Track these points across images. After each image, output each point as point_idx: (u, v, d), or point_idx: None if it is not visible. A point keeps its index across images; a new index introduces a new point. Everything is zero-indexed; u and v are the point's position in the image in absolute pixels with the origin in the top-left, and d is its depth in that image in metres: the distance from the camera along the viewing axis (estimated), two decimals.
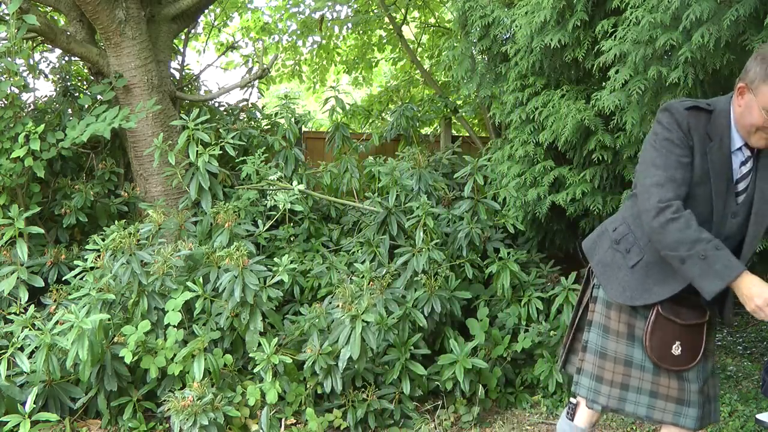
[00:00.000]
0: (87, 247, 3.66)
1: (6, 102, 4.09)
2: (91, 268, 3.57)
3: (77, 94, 4.86)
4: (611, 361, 2.24)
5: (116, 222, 3.77)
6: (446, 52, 4.82)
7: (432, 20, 7.95)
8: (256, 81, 5.43)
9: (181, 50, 5.69)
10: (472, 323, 3.80)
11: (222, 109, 5.46)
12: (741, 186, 2.09)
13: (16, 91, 4.15)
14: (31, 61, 4.68)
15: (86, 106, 4.54)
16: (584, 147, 3.79)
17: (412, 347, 3.58)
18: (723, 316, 2.23)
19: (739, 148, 2.07)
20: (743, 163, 2.08)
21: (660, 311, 2.13)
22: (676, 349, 2.13)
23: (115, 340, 3.40)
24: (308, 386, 3.43)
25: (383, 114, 6.95)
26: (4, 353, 3.12)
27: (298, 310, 3.94)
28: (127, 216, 4.47)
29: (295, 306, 4.02)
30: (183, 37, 5.74)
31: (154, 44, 4.69)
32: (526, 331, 3.82)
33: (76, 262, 3.63)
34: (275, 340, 3.41)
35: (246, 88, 5.46)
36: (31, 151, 3.89)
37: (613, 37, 3.12)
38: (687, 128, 2.04)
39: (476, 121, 7.05)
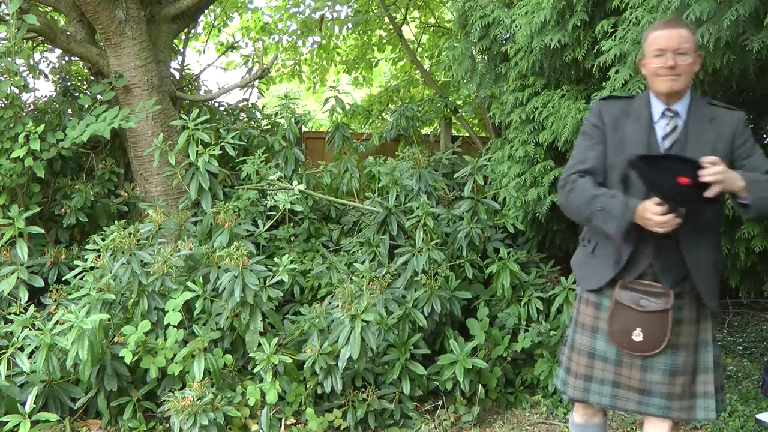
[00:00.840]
0: (87, 247, 3.66)
1: (6, 102, 4.09)
2: (91, 268, 3.57)
3: (77, 94, 4.86)
4: (577, 353, 2.34)
5: (116, 222, 3.76)
6: (446, 52, 4.82)
7: (432, 20, 7.95)
8: (256, 81, 5.43)
9: (181, 50, 5.69)
10: (472, 323, 3.80)
11: (222, 109, 5.46)
12: (667, 143, 2.20)
13: (16, 91, 4.15)
14: (31, 61, 4.68)
15: (86, 106, 4.54)
16: None
17: (412, 347, 3.58)
18: (705, 299, 2.22)
19: (662, 115, 2.21)
20: (667, 125, 2.20)
21: (619, 300, 2.21)
22: (638, 336, 2.19)
23: (115, 340, 3.40)
24: (308, 386, 3.43)
25: (383, 114, 6.95)
26: (4, 353, 3.12)
27: (298, 310, 3.94)
28: (127, 216, 4.47)
29: (295, 306, 4.02)
30: (183, 37, 5.74)
31: (154, 44, 4.69)
32: (526, 331, 3.82)
33: (76, 262, 3.63)
34: (275, 340, 3.41)
35: (246, 88, 5.46)
36: (31, 151, 3.89)
37: (613, 37, 3.12)
38: (599, 113, 2.25)
39: (476, 121, 7.05)
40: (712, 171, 1.97)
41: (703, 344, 2.25)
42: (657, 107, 2.22)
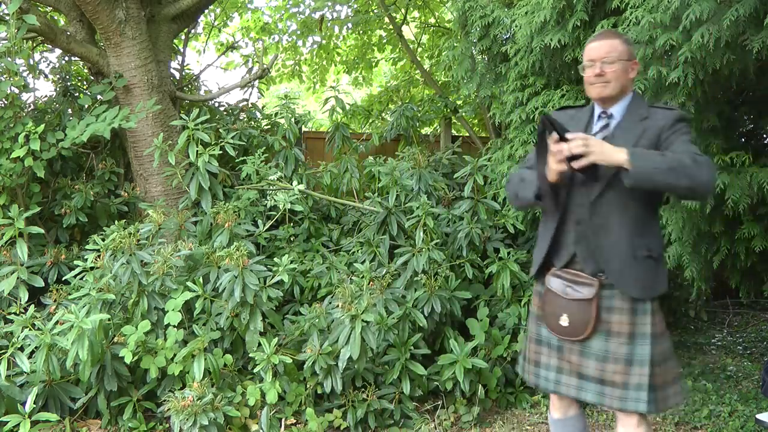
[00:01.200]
0: (87, 247, 3.66)
1: (6, 102, 4.09)
2: (91, 268, 3.57)
3: (77, 94, 4.86)
4: (529, 340, 2.49)
5: (116, 222, 3.76)
6: (446, 52, 4.82)
7: (432, 20, 7.95)
8: (256, 81, 5.43)
9: (181, 50, 5.69)
10: (472, 323, 3.80)
11: (222, 109, 5.46)
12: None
13: (16, 91, 4.15)
14: (31, 61, 4.68)
15: (86, 106, 4.54)
16: None
17: (412, 347, 3.58)
18: (625, 287, 2.25)
19: (599, 117, 2.36)
20: (601, 125, 2.35)
21: (548, 287, 2.37)
22: (564, 321, 2.31)
23: (115, 340, 3.40)
24: (308, 386, 3.43)
25: (383, 114, 6.95)
26: (4, 353, 3.12)
27: (298, 310, 3.94)
28: (127, 216, 4.47)
29: (295, 306, 4.02)
30: (183, 37, 5.74)
31: (154, 44, 4.69)
32: (526, 331, 3.81)
33: (76, 262, 3.63)
34: (275, 340, 3.41)
35: (246, 88, 5.46)
36: (31, 151, 3.89)
37: None
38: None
39: (476, 121, 7.05)
40: (573, 144, 2.10)
41: (640, 337, 2.25)
42: (597, 111, 2.38)
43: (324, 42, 8.08)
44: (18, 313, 3.57)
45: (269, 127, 5.28)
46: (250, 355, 3.36)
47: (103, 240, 3.58)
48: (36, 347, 3.21)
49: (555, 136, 2.14)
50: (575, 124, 2.36)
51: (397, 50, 8.06)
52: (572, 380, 2.33)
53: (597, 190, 2.26)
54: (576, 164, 2.12)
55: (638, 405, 2.21)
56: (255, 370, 3.36)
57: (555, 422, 2.53)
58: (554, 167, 2.19)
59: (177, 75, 5.44)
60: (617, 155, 2.08)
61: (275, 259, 3.68)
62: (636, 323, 2.26)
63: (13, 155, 3.87)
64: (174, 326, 3.41)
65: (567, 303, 2.31)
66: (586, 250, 2.29)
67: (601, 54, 2.29)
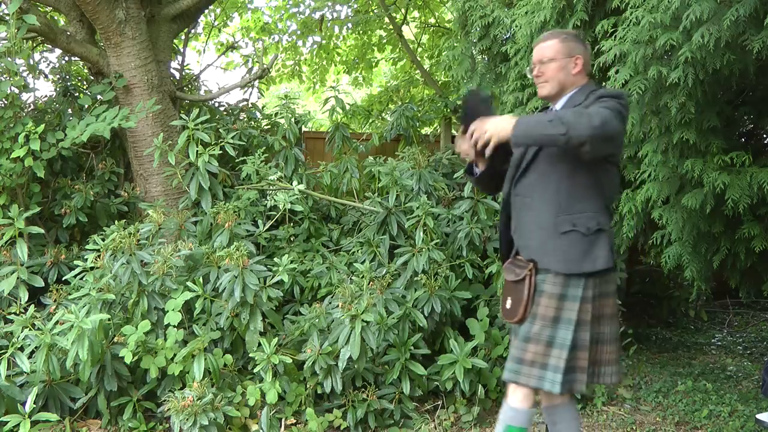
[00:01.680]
0: (87, 247, 3.66)
1: (6, 102, 4.08)
2: (91, 268, 3.57)
3: (77, 94, 4.85)
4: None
5: (116, 222, 3.76)
6: (446, 52, 4.82)
7: (432, 20, 7.96)
8: (256, 81, 5.43)
9: (181, 50, 5.69)
10: (472, 323, 3.79)
11: (222, 109, 5.46)
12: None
13: (16, 91, 4.15)
14: (31, 61, 4.68)
15: (86, 106, 4.54)
16: None
17: (412, 347, 3.58)
18: (545, 261, 2.33)
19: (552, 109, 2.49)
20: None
21: (504, 275, 2.48)
22: (508, 303, 2.42)
23: (115, 340, 3.40)
24: (308, 386, 3.43)
25: (383, 114, 6.95)
26: (4, 353, 3.12)
27: (298, 310, 3.94)
28: (127, 216, 4.47)
29: (295, 306, 4.02)
30: (183, 37, 5.74)
31: (154, 44, 4.69)
32: None
33: (76, 262, 3.63)
34: (275, 340, 3.40)
35: (246, 88, 5.46)
36: (31, 151, 3.89)
37: (613, 37, 3.12)
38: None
39: None
40: (475, 136, 2.27)
41: (565, 321, 2.30)
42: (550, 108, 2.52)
43: (324, 42, 8.08)
44: (18, 313, 3.57)
45: (269, 127, 5.28)
46: (250, 355, 3.36)
47: (103, 240, 3.58)
48: (36, 347, 3.21)
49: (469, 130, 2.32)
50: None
51: (397, 50, 8.06)
52: (511, 363, 2.40)
53: (518, 172, 2.40)
54: (487, 150, 2.28)
55: (554, 387, 2.27)
56: (255, 370, 3.35)
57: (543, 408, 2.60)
58: (472, 155, 2.42)
59: (177, 75, 5.44)
60: (507, 124, 2.21)
61: (275, 259, 3.68)
62: (563, 309, 2.30)
63: (13, 155, 3.87)
64: (174, 326, 3.41)
65: (510, 286, 2.42)
66: (521, 237, 2.41)
67: (538, 56, 2.44)
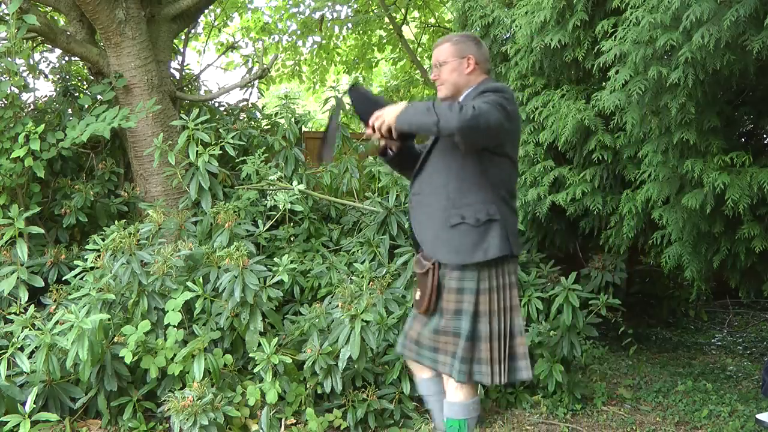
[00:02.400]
0: (87, 247, 3.66)
1: (6, 102, 4.08)
2: (91, 268, 3.57)
3: (77, 94, 4.85)
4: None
5: (116, 222, 3.76)
6: None
7: (432, 20, 7.96)
8: (256, 81, 5.43)
9: (181, 50, 5.69)
10: None
11: (222, 109, 5.46)
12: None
13: (16, 91, 4.15)
14: (31, 61, 4.68)
15: (86, 106, 4.54)
16: (584, 147, 3.79)
17: None
18: (438, 254, 2.48)
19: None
20: None
21: (414, 267, 2.62)
22: (417, 295, 2.57)
23: (115, 340, 3.39)
24: (308, 386, 3.43)
25: None
26: (4, 353, 3.12)
27: (298, 310, 3.94)
28: (127, 216, 4.47)
29: (295, 306, 4.02)
30: (183, 37, 5.74)
31: (154, 44, 4.69)
32: (526, 331, 3.81)
33: (76, 262, 3.63)
34: (275, 340, 3.40)
35: (246, 88, 5.46)
36: (31, 151, 3.89)
37: (613, 37, 3.13)
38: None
39: None
40: (377, 124, 2.42)
41: (465, 313, 2.44)
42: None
43: (324, 42, 8.08)
44: (18, 313, 3.57)
45: (269, 127, 5.27)
46: (250, 355, 3.36)
47: (103, 240, 3.58)
48: (36, 347, 3.21)
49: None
50: None
51: (397, 50, 8.06)
52: (412, 345, 2.61)
53: (415, 170, 2.53)
54: (393, 134, 2.42)
55: (460, 376, 2.45)
56: (255, 370, 3.35)
57: (417, 382, 2.84)
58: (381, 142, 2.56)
59: (177, 75, 5.44)
60: (396, 111, 2.37)
61: (275, 259, 3.68)
62: (463, 302, 2.45)
63: (13, 155, 3.87)
64: (174, 326, 3.41)
65: (419, 278, 2.56)
66: (420, 234, 2.54)
67: (434, 60, 2.58)
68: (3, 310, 3.69)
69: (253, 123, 5.35)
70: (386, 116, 2.39)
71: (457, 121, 2.21)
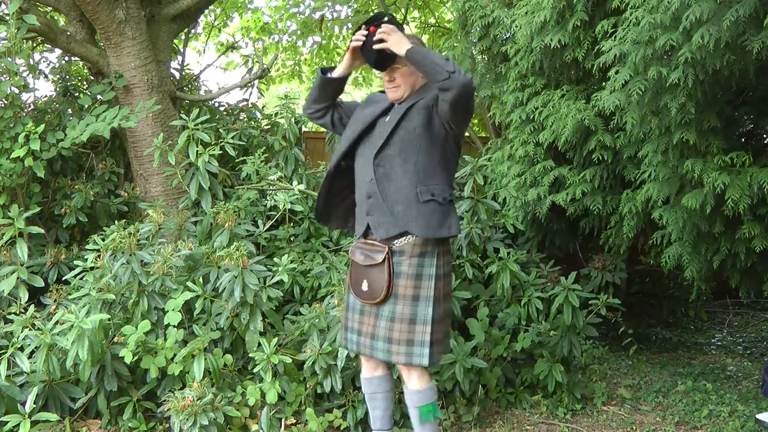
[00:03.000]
0: (87, 247, 3.66)
1: (6, 102, 4.08)
2: (91, 268, 3.57)
3: (77, 94, 4.85)
4: (344, 309, 2.79)
5: (116, 222, 3.76)
6: (446, 52, 4.82)
7: (432, 20, 7.96)
8: (256, 81, 5.43)
9: (181, 50, 5.69)
10: (472, 323, 3.79)
11: (222, 109, 5.46)
12: (387, 133, 2.64)
13: (16, 91, 4.15)
14: (31, 61, 4.68)
15: (86, 106, 4.54)
16: (584, 147, 3.79)
17: None
18: (410, 228, 2.56)
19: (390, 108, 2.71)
20: (385, 114, 2.71)
21: (353, 258, 2.68)
22: (365, 286, 2.62)
23: (115, 340, 3.40)
24: (308, 386, 3.43)
25: None
26: (4, 353, 3.12)
27: (298, 310, 3.94)
28: (127, 216, 4.47)
29: (295, 306, 4.01)
30: (183, 37, 5.74)
31: (154, 44, 4.69)
32: (526, 331, 3.82)
33: (76, 262, 3.63)
34: (275, 340, 3.40)
35: (246, 88, 5.46)
36: (31, 151, 3.89)
37: (613, 37, 3.12)
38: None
39: (476, 121, 7.05)
40: (381, 30, 2.51)
41: (424, 299, 2.57)
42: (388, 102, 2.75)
43: (324, 42, 8.08)
44: (18, 313, 3.57)
45: (269, 127, 5.27)
46: (250, 355, 3.36)
47: (103, 240, 3.58)
48: (36, 347, 3.21)
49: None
50: (370, 115, 2.73)
51: None
52: (367, 340, 2.65)
53: (378, 146, 2.58)
54: (376, 46, 2.53)
55: (422, 360, 2.55)
56: (255, 370, 3.35)
57: (363, 380, 2.84)
58: (353, 44, 2.62)
59: (177, 75, 5.44)
60: (401, 47, 2.48)
61: (275, 259, 3.68)
62: (421, 288, 2.57)
63: (13, 155, 3.86)
64: (174, 326, 3.41)
65: (366, 269, 2.61)
66: (378, 220, 2.60)
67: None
68: (3, 310, 3.69)
69: (253, 123, 5.35)
70: (395, 35, 2.50)
71: (467, 81, 2.39)
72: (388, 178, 2.58)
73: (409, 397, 2.67)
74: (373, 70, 2.71)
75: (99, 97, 4.48)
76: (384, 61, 2.60)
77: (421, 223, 2.53)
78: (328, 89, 2.79)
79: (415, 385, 2.64)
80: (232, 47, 6.68)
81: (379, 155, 2.60)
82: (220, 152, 4.12)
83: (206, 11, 6.20)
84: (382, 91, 2.83)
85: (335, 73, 2.75)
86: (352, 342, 2.73)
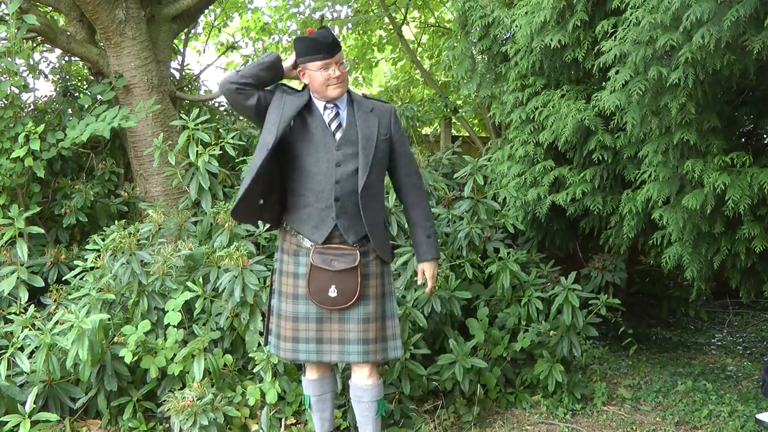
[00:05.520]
0: (87, 247, 3.66)
1: (6, 102, 4.08)
2: (91, 268, 3.57)
3: (77, 94, 4.85)
4: (284, 320, 2.71)
5: (116, 222, 3.76)
6: (446, 52, 4.82)
7: (432, 20, 7.95)
8: None
9: (181, 50, 5.69)
10: (472, 323, 3.79)
11: (222, 109, 5.46)
12: (339, 135, 2.66)
13: (16, 91, 4.15)
14: (31, 61, 4.68)
15: (86, 106, 4.54)
16: (584, 147, 3.79)
17: (412, 347, 3.57)
18: (379, 252, 2.70)
19: (324, 108, 2.68)
20: (332, 117, 2.68)
21: (314, 263, 2.61)
22: (333, 292, 2.60)
23: (115, 340, 3.40)
24: None
25: None
26: (4, 353, 3.12)
27: None
28: (127, 216, 4.47)
29: None
30: (183, 37, 5.74)
31: (154, 44, 4.69)
32: (526, 331, 3.82)
33: (76, 262, 3.63)
34: None
35: None
36: (31, 151, 3.89)
37: (613, 37, 3.12)
38: (280, 91, 2.74)
39: (476, 121, 7.05)
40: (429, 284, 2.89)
41: (388, 295, 2.73)
42: (319, 103, 2.68)
43: None
44: (18, 313, 3.57)
45: None
46: (250, 355, 3.36)
47: (103, 240, 3.58)
48: (36, 347, 3.21)
49: None
50: (295, 108, 2.62)
51: (397, 50, 8.06)
52: (334, 347, 2.66)
53: (362, 179, 2.60)
54: (427, 290, 2.93)
55: (397, 352, 2.73)
56: (255, 370, 3.36)
57: (311, 382, 2.87)
58: None
59: (177, 75, 5.44)
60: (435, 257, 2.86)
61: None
62: (384, 285, 2.72)
63: (13, 155, 3.86)
64: (174, 326, 3.41)
65: (334, 275, 2.59)
66: (349, 225, 2.61)
67: (338, 58, 2.61)
68: (3, 310, 3.69)
69: None
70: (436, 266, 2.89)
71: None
72: (364, 207, 2.62)
73: (369, 393, 2.74)
74: (308, 65, 2.60)
75: (99, 97, 4.48)
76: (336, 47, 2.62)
77: (388, 250, 2.78)
78: (273, 74, 2.67)
79: (375, 380, 2.74)
80: (232, 47, 6.68)
81: (370, 174, 2.63)
82: (220, 152, 4.12)
83: (206, 11, 6.19)
84: (290, 87, 2.76)
85: (289, 63, 2.70)
86: (309, 352, 2.69)
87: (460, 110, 5.99)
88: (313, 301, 2.63)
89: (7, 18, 4.07)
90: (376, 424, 2.78)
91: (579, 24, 3.50)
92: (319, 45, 2.58)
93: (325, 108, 2.68)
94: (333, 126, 2.67)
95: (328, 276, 2.59)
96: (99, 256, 3.59)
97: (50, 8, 4.98)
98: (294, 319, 2.68)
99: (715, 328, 5.64)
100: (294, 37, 8.00)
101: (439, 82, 6.98)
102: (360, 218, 2.61)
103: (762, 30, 2.63)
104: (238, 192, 2.67)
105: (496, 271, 3.87)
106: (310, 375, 2.88)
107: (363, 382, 2.73)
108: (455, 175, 4.35)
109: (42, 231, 3.90)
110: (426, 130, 6.49)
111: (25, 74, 4.57)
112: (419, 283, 2.88)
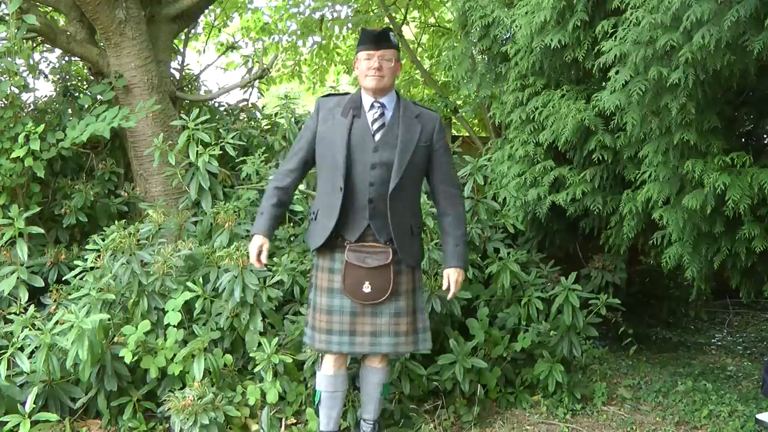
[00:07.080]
0: (87, 247, 3.66)
1: (6, 102, 4.08)
2: (91, 268, 3.57)
3: (77, 94, 4.85)
4: (319, 312, 2.84)
5: (116, 222, 3.76)
6: (446, 52, 4.82)
7: (432, 20, 7.95)
8: (256, 81, 5.43)
9: (181, 50, 5.69)
10: (472, 323, 3.79)
11: (222, 109, 5.46)
12: (378, 135, 2.77)
13: (16, 91, 4.14)
14: (31, 61, 4.67)
15: (86, 106, 4.53)
16: (584, 147, 3.79)
17: None
18: (401, 256, 2.80)
19: (371, 106, 2.79)
20: (376, 119, 2.78)
21: (348, 261, 2.76)
22: (367, 288, 2.74)
23: (115, 340, 3.40)
24: (308, 386, 3.43)
25: None
26: (4, 353, 3.12)
27: (298, 310, 3.94)
28: (127, 216, 4.47)
29: (295, 306, 4.01)
30: (183, 37, 5.73)
31: (154, 44, 4.68)
32: (526, 331, 3.82)
33: (76, 262, 3.63)
34: (275, 340, 3.40)
35: (246, 88, 5.46)
36: (31, 151, 3.89)
37: (613, 37, 3.12)
38: (317, 109, 2.88)
39: (476, 121, 7.05)
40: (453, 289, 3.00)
41: (419, 289, 2.92)
42: (368, 101, 2.81)
43: (324, 42, 8.07)
44: (18, 313, 3.57)
45: (269, 127, 5.27)
46: (250, 355, 3.36)
47: (103, 240, 3.58)
48: (36, 347, 3.21)
49: None
50: (339, 109, 2.79)
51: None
52: (366, 339, 2.79)
53: (394, 181, 2.72)
54: (449, 296, 3.00)
55: (426, 344, 2.91)
56: (255, 370, 3.35)
57: (327, 377, 2.96)
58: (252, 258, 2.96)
59: (177, 75, 5.44)
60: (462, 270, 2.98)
61: (275, 259, 3.68)
62: (415, 279, 2.89)
63: (13, 155, 3.86)
64: (174, 326, 3.41)
65: (368, 271, 2.74)
66: (379, 225, 2.75)
67: (382, 53, 2.74)
68: (3, 310, 3.69)
69: (253, 123, 5.35)
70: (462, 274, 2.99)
71: None
72: (392, 211, 2.75)
73: (378, 375, 2.98)
74: None
75: (99, 97, 4.47)
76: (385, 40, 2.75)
77: (415, 256, 2.90)
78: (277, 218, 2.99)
79: (385, 365, 3.00)
80: (232, 47, 6.67)
81: (401, 179, 2.75)
82: (220, 152, 4.11)
83: (206, 11, 6.19)
84: (328, 95, 2.95)
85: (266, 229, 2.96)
86: (342, 344, 2.81)
87: (460, 110, 5.99)
88: (347, 296, 2.77)
89: (7, 18, 4.06)
90: (378, 404, 3.04)
91: (579, 24, 3.51)
92: (368, 37, 2.77)
93: (372, 107, 2.79)
94: (375, 126, 2.78)
95: (362, 273, 2.74)
96: (99, 256, 3.59)
97: (50, 8, 4.98)
98: (329, 312, 2.82)
99: (715, 328, 5.64)
100: (293, 36, 8.02)
101: (439, 82, 6.98)
102: (388, 221, 2.75)
103: (762, 30, 2.63)
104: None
105: (496, 271, 3.87)
106: (327, 370, 2.96)
107: (375, 365, 2.97)
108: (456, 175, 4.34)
109: (42, 231, 3.89)
110: None
111: (25, 74, 4.56)
112: (443, 288, 2.95)
